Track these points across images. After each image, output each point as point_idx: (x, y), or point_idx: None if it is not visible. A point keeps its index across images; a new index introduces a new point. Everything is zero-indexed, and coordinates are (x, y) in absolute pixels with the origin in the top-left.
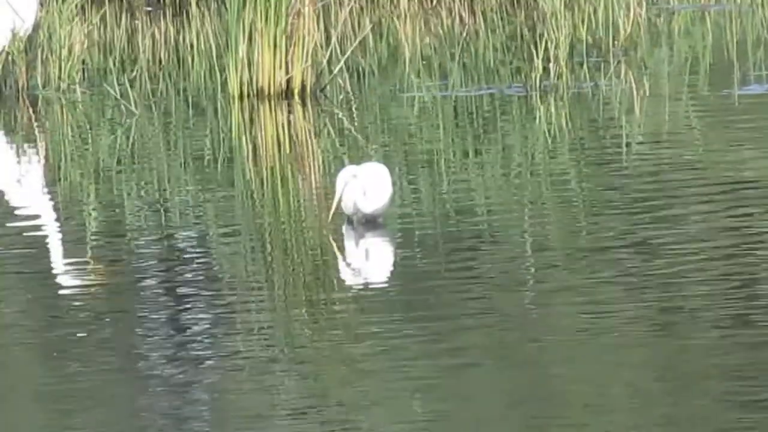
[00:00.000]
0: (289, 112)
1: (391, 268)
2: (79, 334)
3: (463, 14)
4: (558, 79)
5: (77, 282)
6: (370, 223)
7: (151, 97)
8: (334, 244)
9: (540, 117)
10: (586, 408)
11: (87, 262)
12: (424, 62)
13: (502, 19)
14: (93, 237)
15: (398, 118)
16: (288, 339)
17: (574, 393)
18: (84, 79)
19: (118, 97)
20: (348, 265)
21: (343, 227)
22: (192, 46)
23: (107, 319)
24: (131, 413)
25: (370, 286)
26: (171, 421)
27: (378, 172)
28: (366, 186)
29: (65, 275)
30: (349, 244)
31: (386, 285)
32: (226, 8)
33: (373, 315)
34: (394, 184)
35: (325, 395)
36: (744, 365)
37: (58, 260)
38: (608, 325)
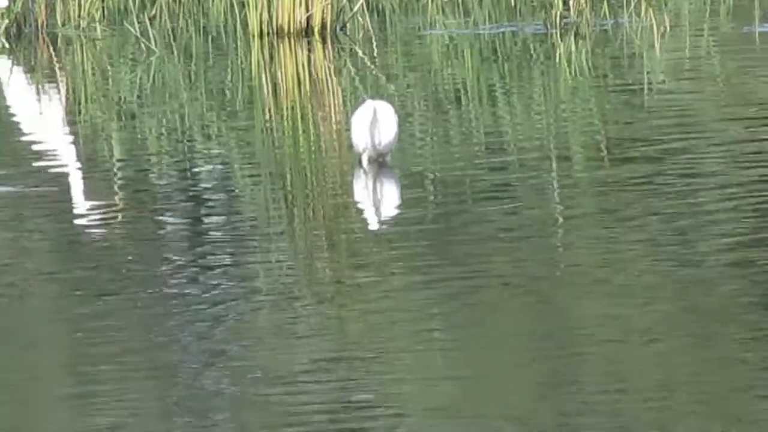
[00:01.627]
0: (309, 50)
1: (410, 210)
2: (101, 273)
3: None
4: (578, 16)
5: (99, 219)
6: (379, 163)
7: (171, 35)
8: (355, 184)
9: (560, 55)
10: (603, 361)
11: (110, 201)
12: (445, 0)
13: None
14: (115, 175)
15: (419, 56)
16: (309, 277)
17: (592, 343)
18: (104, 17)
19: (138, 35)
20: (367, 206)
21: (356, 168)
22: None
23: (129, 258)
24: (151, 349)
25: (392, 227)
26: (190, 362)
27: (385, 108)
28: (380, 121)
29: (87, 212)
30: (368, 184)
31: (404, 225)
32: None
33: (395, 253)
34: (404, 122)
35: (344, 342)
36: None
37: (79, 198)
38: (631, 280)
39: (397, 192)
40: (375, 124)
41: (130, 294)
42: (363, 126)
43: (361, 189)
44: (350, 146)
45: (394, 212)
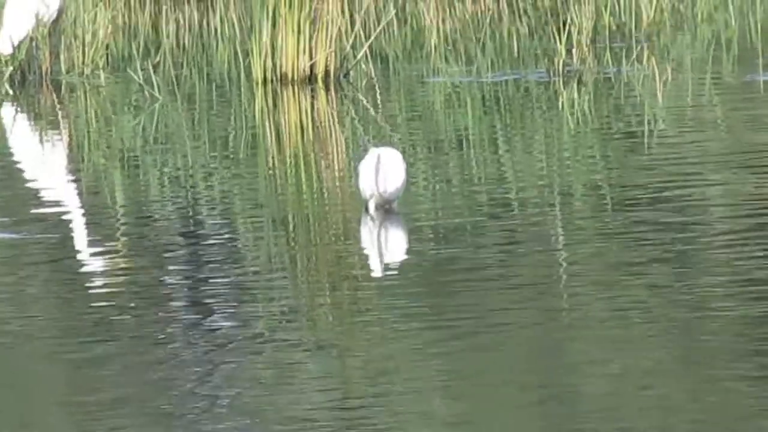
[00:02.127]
0: (313, 97)
1: (415, 256)
2: (100, 320)
3: (488, 0)
4: (581, 64)
5: (102, 266)
6: (385, 209)
7: (174, 82)
8: (360, 230)
9: (563, 102)
10: (603, 405)
11: (111, 248)
12: (448, 48)
13: (526, 4)
14: (117, 222)
15: (423, 103)
16: (310, 323)
17: (592, 387)
18: (108, 64)
19: (142, 82)
20: (372, 252)
21: (363, 215)
22: (216, 31)
23: (130, 304)
24: (150, 397)
25: (394, 273)
26: (192, 402)
27: (393, 156)
28: (386, 168)
29: (90, 259)
30: (371, 230)
31: (408, 272)
32: None
33: (395, 300)
34: (409, 169)
35: (345, 388)
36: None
37: (82, 245)
38: (635, 321)
39: (401, 238)
40: (381, 170)
41: (130, 340)
42: (369, 173)
43: (366, 235)
44: (357, 192)
45: (398, 258)
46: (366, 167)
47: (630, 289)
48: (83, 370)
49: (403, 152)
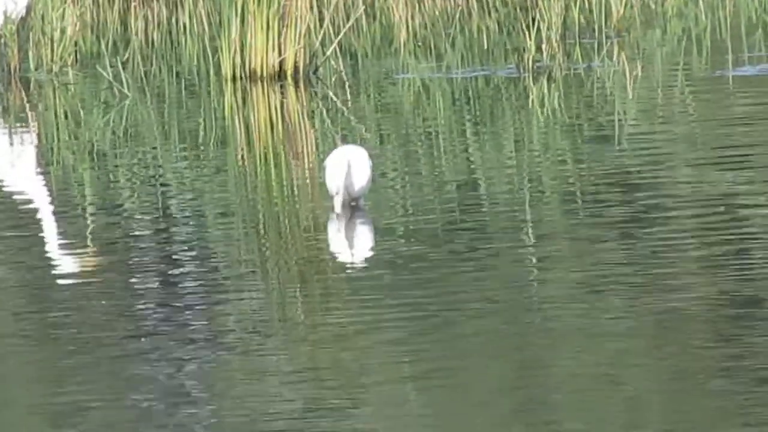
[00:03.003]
0: (282, 94)
1: (384, 252)
2: (72, 317)
3: None
4: (551, 60)
5: (71, 265)
6: (352, 206)
7: (143, 79)
8: (328, 227)
9: (533, 98)
10: (578, 400)
11: (81, 246)
12: (418, 44)
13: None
14: (87, 219)
15: (392, 99)
16: (281, 319)
17: (566, 383)
18: (76, 61)
19: (111, 79)
20: (340, 247)
21: (330, 211)
22: (185, 27)
23: (102, 302)
24: (124, 393)
25: (364, 268)
26: (165, 401)
27: (358, 154)
28: (353, 166)
29: (60, 258)
30: (341, 227)
31: (378, 268)
32: None
33: (365, 295)
34: (377, 165)
35: (319, 383)
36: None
37: (52, 243)
38: (607, 314)
39: (369, 234)
40: (350, 171)
41: (102, 340)
42: (335, 170)
43: (334, 232)
44: (324, 190)
45: (367, 254)
46: (332, 164)
47: (601, 285)
48: (52, 370)
49: (373, 147)
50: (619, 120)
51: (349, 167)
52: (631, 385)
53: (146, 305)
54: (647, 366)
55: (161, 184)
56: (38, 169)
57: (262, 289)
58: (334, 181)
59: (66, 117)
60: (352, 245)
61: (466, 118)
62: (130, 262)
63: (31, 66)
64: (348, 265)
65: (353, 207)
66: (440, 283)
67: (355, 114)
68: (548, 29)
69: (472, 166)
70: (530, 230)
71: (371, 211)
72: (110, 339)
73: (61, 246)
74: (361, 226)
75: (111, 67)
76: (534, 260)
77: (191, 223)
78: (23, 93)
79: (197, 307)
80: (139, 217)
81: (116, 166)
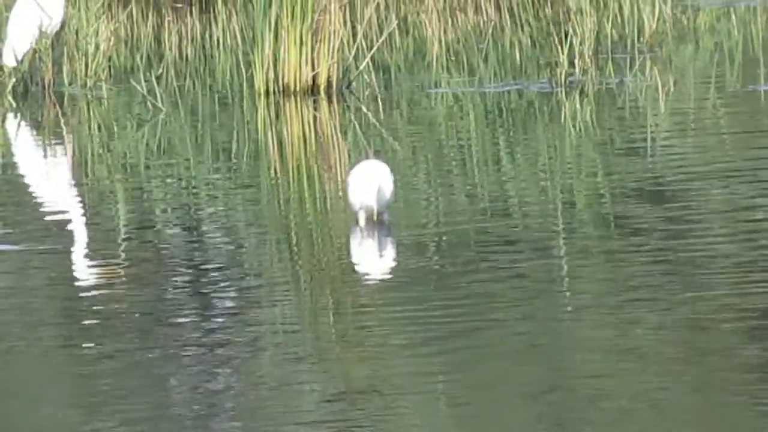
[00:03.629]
0: (315, 108)
1: (418, 266)
2: (101, 333)
3: (489, 10)
4: (583, 75)
5: (98, 279)
6: (376, 221)
7: (177, 93)
8: (359, 240)
9: (566, 113)
10: (604, 411)
11: (109, 263)
12: (451, 58)
13: (528, 14)
14: (119, 232)
15: (425, 114)
16: (313, 335)
17: (594, 394)
18: (110, 76)
19: (145, 93)
20: (371, 261)
21: (353, 227)
22: (218, 42)
23: (134, 316)
24: (152, 407)
25: (394, 281)
26: (193, 413)
27: (380, 169)
28: (378, 182)
29: (89, 273)
30: (369, 242)
31: (409, 282)
32: (252, 5)
33: (397, 310)
34: (410, 179)
35: (347, 397)
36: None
37: (80, 258)
38: (640, 327)
39: (399, 248)
40: (378, 188)
41: (132, 355)
42: (358, 186)
43: (363, 247)
44: (348, 205)
45: (397, 268)
46: (355, 180)
47: (633, 297)
48: (84, 383)
49: (404, 164)
50: (651, 134)
51: (378, 187)
52: (666, 399)
53: (174, 323)
54: (682, 380)
55: (194, 197)
56: (72, 182)
57: (292, 303)
58: (357, 196)
59: (100, 131)
60: (382, 259)
61: (499, 132)
62: (161, 275)
63: (65, 80)
64: (379, 279)
65: (377, 222)
66: (472, 296)
67: (388, 128)
68: (581, 44)
69: (504, 179)
70: (562, 242)
71: (402, 225)
72: (137, 359)
73: (91, 258)
74: (391, 240)
75: (145, 81)
76: (566, 272)
77: (223, 236)
78: (57, 107)
79: (228, 322)
80: (171, 230)
81: (149, 179)
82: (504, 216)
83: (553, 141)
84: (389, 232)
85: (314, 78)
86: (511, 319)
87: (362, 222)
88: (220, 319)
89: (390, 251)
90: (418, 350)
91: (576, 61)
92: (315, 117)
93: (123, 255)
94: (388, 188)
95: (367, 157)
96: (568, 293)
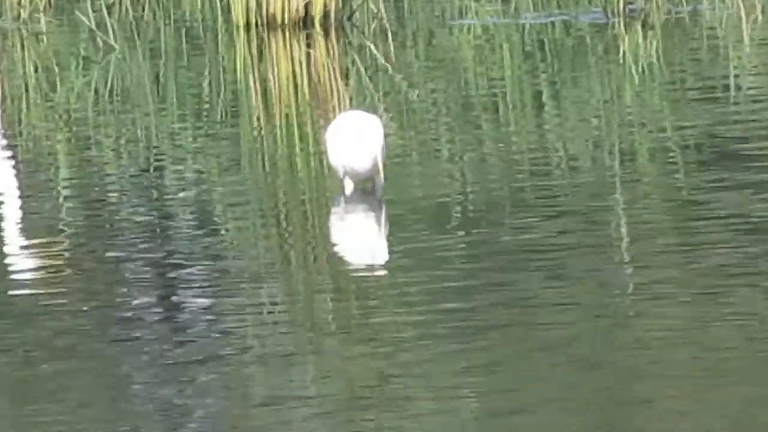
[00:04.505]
0: (309, 45)
1: (433, 246)
2: (42, 329)
3: None
4: (647, 1)
5: (39, 261)
6: (366, 190)
7: (134, 27)
8: (356, 215)
9: (625, 50)
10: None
11: (51, 237)
12: None
13: None
14: (62, 204)
15: (447, 52)
16: (306, 330)
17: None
18: (50, 5)
19: (93, 27)
20: (379, 241)
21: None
22: None
23: (82, 309)
24: (120, 417)
25: (406, 266)
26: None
27: (366, 121)
28: (361, 138)
29: (22, 255)
30: (378, 212)
31: (423, 266)
32: None
33: (411, 300)
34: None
35: (350, 390)
36: None
37: (12, 233)
38: (712, 320)
39: (412, 225)
40: (357, 140)
41: (83, 354)
42: (341, 145)
43: (364, 221)
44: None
45: (409, 249)
46: (335, 137)
47: (705, 284)
48: (29, 389)
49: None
50: (734, 74)
51: (356, 136)
52: (733, 394)
53: (133, 312)
54: (757, 381)
55: (156, 160)
56: (1, 141)
57: (282, 296)
58: (341, 158)
59: (37, 74)
60: (393, 237)
61: (540, 75)
62: (114, 259)
63: None
64: (388, 264)
65: (367, 190)
66: (506, 284)
67: (400, 70)
68: None
69: (547, 137)
70: (619, 217)
71: (421, 196)
72: (91, 352)
73: (25, 236)
74: (402, 213)
75: (93, 12)
76: (622, 254)
77: (193, 211)
78: None
79: (203, 315)
80: (127, 203)
81: (99, 137)
82: (546, 183)
83: (609, 85)
84: (400, 203)
85: (307, 7)
86: (555, 322)
87: (348, 191)
88: (188, 320)
89: (401, 229)
90: (441, 350)
91: None
92: (308, 56)
93: (66, 238)
94: (374, 145)
95: (378, 111)
96: (623, 278)
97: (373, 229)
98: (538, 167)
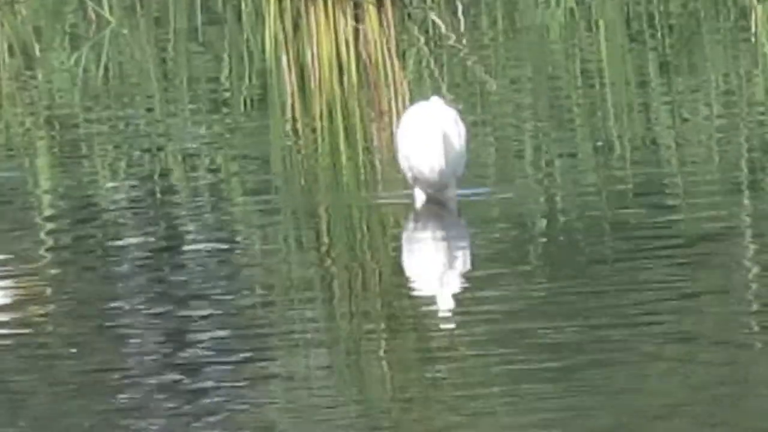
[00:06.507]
0: (356, 18)
1: (508, 271)
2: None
3: None
4: None
5: (15, 290)
6: (439, 201)
7: None
8: (414, 232)
9: (758, 20)
10: None
11: (33, 262)
12: None
13: None
14: (46, 220)
15: (531, 27)
16: (354, 376)
17: None
18: None
19: None
20: (437, 265)
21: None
22: None
23: (71, 350)
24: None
25: (472, 296)
26: None
27: (443, 115)
28: (435, 140)
29: None
30: (433, 234)
31: (493, 299)
32: None
33: (480, 339)
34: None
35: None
36: None
37: None
38: None
39: (480, 244)
40: (429, 142)
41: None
42: (410, 145)
43: (421, 241)
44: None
45: (475, 275)
46: (404, 136)
47: None
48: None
49: (500, 108)
50: None
51: (439, 137)
52: None
53: (138, 350)
54: None
55: (162, 164)
56: None
57: (320, 328)
58: (412, 160)
59: (12, 55)
60: (453, 261)
61: (648, 56)
62: (111, 289)
63: None
64: (443, 299)
65: (440, 201)
66: (597, 313)
67: (473, 50)
68: None
69: (657, 141)
70: (744, 231)
71: (496, 217)
72: (97, 389)
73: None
74: (457, 234)
75: None
76: (750, 301)
77: (209, 225)
78: None
79: (219, 355)
80: (127, 215)
81: (91, 135)
82: (654, 190)
83: (735, 68)
84: (459, 219)
85: None
86: (658, 340)
87: (419, 202)
88: (204, 357)
89: (463, 254)
90: (516, 394)
91: None
92: (357, 32)
93: (51, 264)
94: (452, 145)
95: (436, 100)
96: (744, 308)
97: (442, 257)
98: (641, 171)
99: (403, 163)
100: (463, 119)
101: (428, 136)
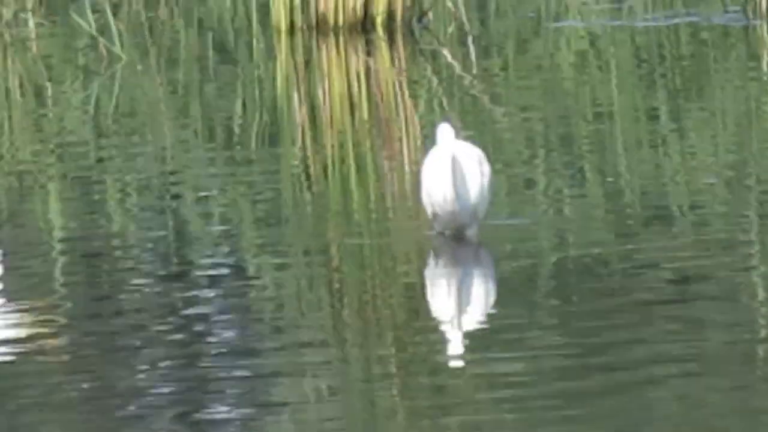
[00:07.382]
0: (368, 53)
1: (523, 307)
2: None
3: None
4: None
5: (17, 330)
6: (459, 237)
7: (146, 31)
8: (433, 271)
9: None
10: None
11: (44, 303)
12: None
13: None
14: (54, 260)
15: (543, 61)
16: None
17: None
18: (40, 4)
19: (94, 32)
20: (451, 310)
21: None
22: None
23: (83, 385)
24: None
25: (485, 342)
26: None
27: (467, 154)
28: (461, 174)
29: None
30: (450, 272)
31: (505, 341)
32: None
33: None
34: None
35: None
36: None
37: None
38: None
39: (497, 282)
40: (456, 177)
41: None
42: (438, 182)
43: (439, 280)
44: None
45: (494, 312)
46: (430, 175)
47: None
48: None
49: (511, 143)
50: None
51: (456, 173)
52: None
53: (154, 402)
54: None
55: (173, 201)
56: None
57: (337, 374)
58: (433, 197)
59: (23, 91)
60: (469, 300)
61: (659, 92)
62: (126, 333)
63: None
64: (457, 340)
65: (460, 238)
66: (619, 344)
67: (485, 85)
68: None
69: (668, 174)
70: (755, 266)
71: (508, 247)
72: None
73: (6, 299)
74: (476, 270)
75: (94, 12)
76: (759, 310)
77: (221, 264)
78: None
79: (231, 404)
80: (137, 255)
81: (103, 173)
82: (666, 225)
83: (750, 104)
84: (474, 256)
85: (366, 5)
86: (685, 369)
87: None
88: (220, 402)
89: (485, 293)
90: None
91: None
92: (368, 67)
93: (60, 306)
94: (474, 184)
95: (457, 135)
96: (759, 333)
97: (459, 292)
98: (653, 205)
99: (425, 200)
100: (488, 160)
101: (441, 164)
